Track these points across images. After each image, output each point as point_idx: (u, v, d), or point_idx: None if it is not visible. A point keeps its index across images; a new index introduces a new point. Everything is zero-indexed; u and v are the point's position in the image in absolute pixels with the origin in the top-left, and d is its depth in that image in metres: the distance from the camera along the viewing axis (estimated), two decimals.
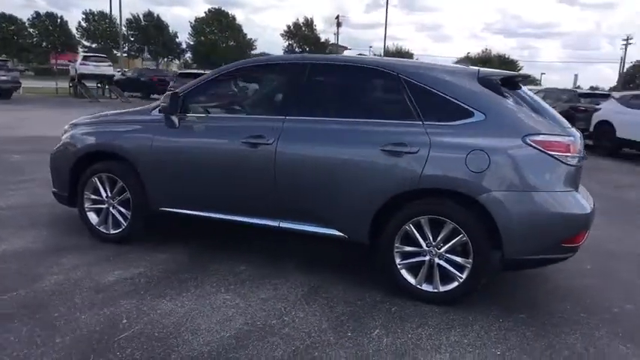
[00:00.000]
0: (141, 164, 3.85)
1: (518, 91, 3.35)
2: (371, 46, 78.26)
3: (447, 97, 3.18)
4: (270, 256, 3.94)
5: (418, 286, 3.23)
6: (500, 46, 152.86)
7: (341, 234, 3.38)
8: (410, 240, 3.23)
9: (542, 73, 70.06)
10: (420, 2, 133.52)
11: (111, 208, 4.08)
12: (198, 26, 56.33)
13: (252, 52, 58.76)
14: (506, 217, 2.95)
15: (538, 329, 2.96)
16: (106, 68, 24.76)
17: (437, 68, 3.34)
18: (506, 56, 61.42)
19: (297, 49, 57.81)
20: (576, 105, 13.59)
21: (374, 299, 3.27)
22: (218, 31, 55.99)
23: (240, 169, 3.57)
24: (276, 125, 3.47)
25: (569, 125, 3.22)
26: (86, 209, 4.15)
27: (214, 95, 3.92)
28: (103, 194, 4.08)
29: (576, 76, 71.46)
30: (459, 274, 3.13)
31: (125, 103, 21.43)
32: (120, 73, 28.30)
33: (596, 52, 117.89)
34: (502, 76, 3.25)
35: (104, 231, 4.11)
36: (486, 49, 62.31)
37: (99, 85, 25.13)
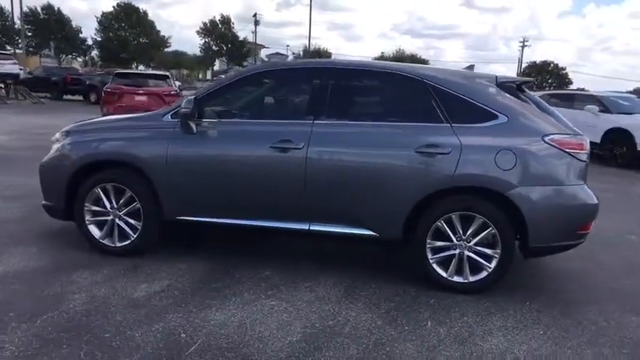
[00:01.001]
0: (155, 172, 3.70)
1: (525, 94, 3.69)
2: (288, 45, 78.55)
3: (472, 100, 3.43)
4: (288, 259, 3.97)
5: (450, 278, 3.45)
6: (407, 45, 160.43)
7: (373, 233, 3.51)
8: (441, 235, 3.43)
9: None
10: (332, 2, 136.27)
11: (117, 220, 3.86)
12: (106, 21, 53.02)
13: (167, 49, 56.53)
14: (532, 209, 3.26)
15: (562, 308, 3.31)
16: (10, 66, 22.53)
17: (458, 73, 3.58)
18: (418, 56, 64.60)
19: (213, 47, 56.51)
20: None
21: (409, 294, 3.44)
22: (128, 27, 53.07)
23: (269, 174, 3.57)
24: (305, 129, 3.52)
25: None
26: (87, 222, 3.90)
27: (233, 100, 3.86)
28: (107, 205, 3.85)
29: None
30: (488, 264, 3.39)
31: (37, 105, 19.77)
32: (26, 72, 25.90)
33: (494, 52, 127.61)
34: (518, 81, 3.57)
35: (109, 244, 3.89)
36: (400, 49, 65.11)
37: (1, 85, 22.83)
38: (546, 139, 3.30)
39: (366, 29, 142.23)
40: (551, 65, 64.73)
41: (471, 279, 3.43)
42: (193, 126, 3.65)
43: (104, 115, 10.98)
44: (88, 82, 22.84)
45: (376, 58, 67.51)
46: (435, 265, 3.47)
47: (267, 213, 3.65)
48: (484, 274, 3.41)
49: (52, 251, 3.94)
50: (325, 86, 3.61)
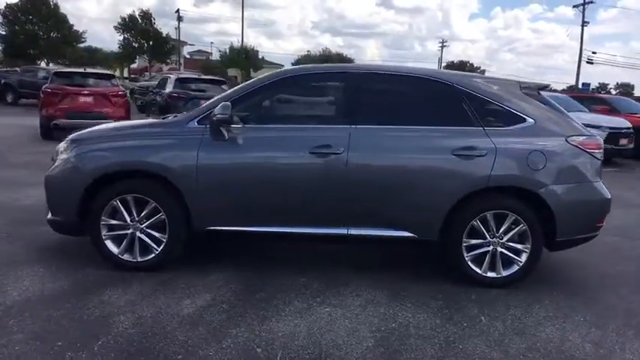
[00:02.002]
0: (184, 182, 3.53)
1: (542, 97, 3.95)
2: (212, 42, 76.49)
3: (501, 104, 3.62)
4: (315, 265, 3.97)
5: (484, 274, 3.63)
6: (328, 44, 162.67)
7: (411, 234, 3.60)
8: (476, 234, 3.60)
9: None
10: None
11: (138, 233, 3.64)
12: (11, 14, 48.55)
13: (81, 45, 52.92)
14: (560, 205, 3.51)
15: (590, 295, 3.59)
16: None
17: (485, 79, 3.77)
18: (344, 54, 65.81)
19: (134, 44, 53.72)
20: None
21: (449, 291, 3.56)
22: (38, 21, 48.98)
23: (309, 180, 3.54)
24: (344, 134, 3.53)
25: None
26: (103, 237, 3.63)
27: (264, 104, 3.75)
28: (127, 218, 3.62)
29: None
30: (519, 259, 3.61)
31: None
32: None
33: (410, 51, 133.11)
34: (539, 86, 3.81)
35: (129, 259, 3.65)
36: (326, 48, 65.88)
37: None
38: (569, 140, 3.57)
39: (287, 27, 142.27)
40: (468, 65, 68.70)
41: (504, 273, 3.63)
42: (225, 132, 3.52)
43: (46, 118, 10.20)
44: (3, 82, 20.83)
45: (302, 57, 67.87)
46: (470, 263, 3.62)
47: (306, 219, 3.62)
48: (515, 268, 3.62)
49: (63, 270, 3.63)
50: (361, 91, 3.65)
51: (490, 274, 3.64)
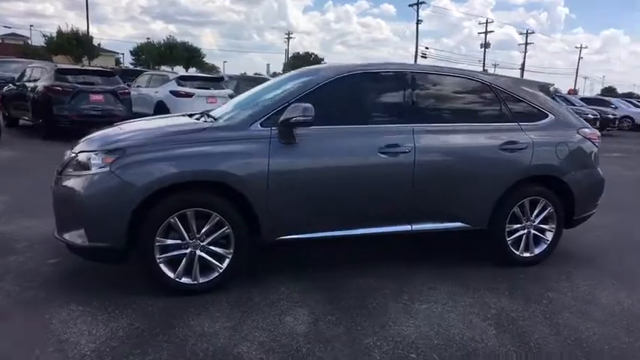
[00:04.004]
0: (254, 191, 3.23)
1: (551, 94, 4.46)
2: (32, 26, 66.63)
3: (529, 102, 4.04)
4: (372, 263, 3.97)
5: (521, 255, 4.04)
6: (161, 31, 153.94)
7: (466, 225, 3.84)
8: (515, 219, 3.98)
9: (224, 62, 74.92)
10: None
11: (198, 251, 3.24)
12: None
13: None
14: (578, 189, 4.07)
15: (615, 273, 4.06)
16: None
17: (511, 79, 4.14)
18: (190, 44, 63.03)
19: None
20: None
21: (501, 275, 3.84)
22: None
23: (380, 180, 3.53)
24: (408, 133, 3.59)
25: None
26: (158, 260, 3.15)
27: (324, 104, 3.54)
28: (186, 236, 3.19)
29: (224, 63, 79.76)
30: (546, 238, 4.11)
31: None
32: None
33: (248, 41, 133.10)
34: (547, 84, 4.32)
35: (189, 282, 3.24)
36: (171, 36, 62.34)
37: None
38: (580, 132, 4.16)
39: (113, 11, 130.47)
40: (312, 56, 71.48)
41: (536, 252, 4.09)
42: (295, 135, 3.31)
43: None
44: None
45: (143, 44, 63.22)
46: (510, 246, 4.00)
47: (374, 219, 3.60)
48: (544, 246, 4.11)
49: (111, 304, 3.06)
50: (418, 89, 3.73)
51: (525, 255, 4.07)
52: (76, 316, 2.92)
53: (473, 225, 3.86)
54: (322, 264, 3.95)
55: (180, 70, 46.23)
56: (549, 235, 4.11)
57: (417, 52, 43.68)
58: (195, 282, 3.25)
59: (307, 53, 71.74)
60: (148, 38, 65.99)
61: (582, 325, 3.11)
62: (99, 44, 54.29)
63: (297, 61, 68.78)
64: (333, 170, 3.43)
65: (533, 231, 4.06)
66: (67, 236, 3.20)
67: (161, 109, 12.18)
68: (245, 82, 16.00)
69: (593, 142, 4.22)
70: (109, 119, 10.78)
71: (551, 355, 2.76)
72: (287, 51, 63.74)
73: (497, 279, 3.79)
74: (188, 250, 3.22)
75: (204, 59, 64.20)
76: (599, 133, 4.33)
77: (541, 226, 4.08)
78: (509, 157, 3.83)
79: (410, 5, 42.72)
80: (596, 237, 4.98)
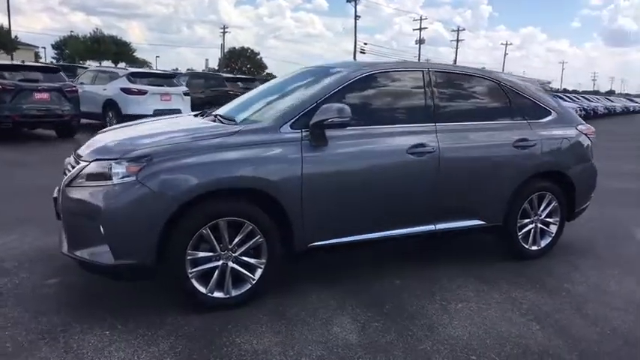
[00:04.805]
0: (289, 196, 3.09)
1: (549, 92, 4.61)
2: None
3: (534, 100, 4.16)
4: (392, 264, 3.93)
5: (530, 248, 4.17)
6: (83, 24, 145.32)
7: (483, 222, 3.90)
8: (525, 215, 4.10)
9: (157, 57, 71.88)
10: None
11: (230, 263, 3.05)
12: None
13: None
14: (579, 182, 4.25)
15: (614, 261, 4.26)
16: None
17: (517, 77, 4.23)
18: (119, 37, 60.03)
19: None
20: (227, 89, 14.25)
21: (518, 270, 3.93)
22: None
23: (407, 181, 3.50)
24: (432, 132, 3.58)
25: None
26: (190, 275, 2.93)
27: (351, 105, 3.41)
28: (217, 247, 2.99)
29: (157, 58, 77.37)
30: (550, 231, 4.26)
31: None
32: None
33: (177, 35, 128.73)
34: (547, 82, 4.46)
35: (221, 296, 3.04)
36: (97, 29, 58.95)
37: None
38: (578, 128, 4.34)
39: (26, 0, 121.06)
40: (249, 51, 70.48)
41: (542, 245, 4.24)
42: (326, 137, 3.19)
43: None
44: None
45: (67, 37, 59.41)
46: (521, 240, 4.12)
47: (402, 220, 3.56)
48: (548, 239, 4.27)
49: (149, 327, 2.81)
50: (438, 89, 3.72)
51: (534, 248, 4.20)
52: (107, 342, 2.65)
53: (489, 222, 3.92)
54: (342, 267, 3.86)
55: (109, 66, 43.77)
56: (553, 228, 4.27)
57: (355, 47, 44.30)
58: (228, 296, 3.05)
59: (243, 48, 70.62)
60: (72, 31, 62.21)
61: (610, 315, 3.24)
62: (16, 37, 50.25)
63: (234, 56, 67.62)
64: (365, 172, 3.35)
65: (539, 225, 4.20)
66: (82, 253, 2.89)
67: (111, 107, 11.48)
68: (194, 78, 15.49)
69: (588, 137, 4.42)
70: (55, 120, 10.06)
71: (599, 346, 2.85)
72: (223, 46, 62.40)
73: (513, 273, 3.88)
74: (220, 263, 3.02)
75: (134, 54, 61.46)
76: (593, 129, 4.54)
77: (547, 219, 4.23)
78: (522, 154, 3.93)
79: (348, 1, 43.11)
80: (579, 227, 5.23)
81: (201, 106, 13.78)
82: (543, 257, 4.22)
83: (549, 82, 4.64)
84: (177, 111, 11.74)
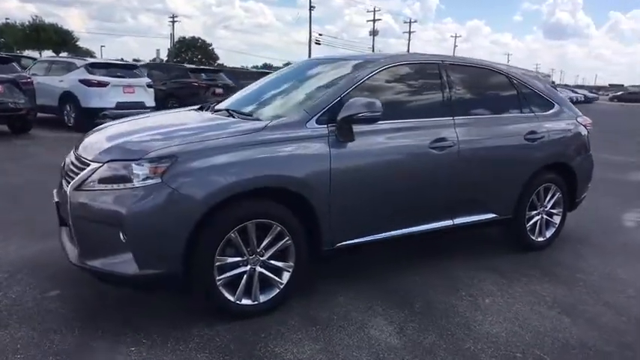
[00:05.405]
0: (318, 195, 2.94)
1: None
2: None
3: (539, 92, 4.19)
4: (409, 261, 3.87)
5: (537, 240, 4.22)
6: (17, 12, 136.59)
7: (496, 215, 3.89)
8: (533, 207, 4.13)
9: (102, 46, 68.52)
10: None
11: (258, 267, 2.87)
12: None
13: None
14: (580, 172, 4.34)
15: (614, 249, 4.37)
16: None
17: (521, 70, 4.24)
18: (60, 25, 56.76)
19: None
20: (191, 81, 13.74)
21: (528, 262, 3.96)
22: None
23: (431, 176, 3.44)
24: (450, 126, 3.52)
25: None
26: (218, 282, 2.74)
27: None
28: (245, 251, 2.81)
29: (102, 48, 74.22)
30: (554, 222, 4.33)
31: None
32: None
33: (121, 24, 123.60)
34: (548, 75, 4.49)
35: (249, 303, 2.87)
36: (37, 16, 55.48)
37: None
38: (577, 119, 4.42)
39: None
40: (199, 41, 68.59)
41: (547, 235, 4.30)
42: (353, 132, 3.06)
43: None
44: None
45: (1, 26, 55.62)
46: (529, 232, 4.16)
47: (425, 216, 3.50)
48: (553, 230, 4.33)
49: (165, 334, 2.60)
50: (454, 82, 3.65)
51: (540, 239, 4.25)
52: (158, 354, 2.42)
53: (501, 215, 3.93)
54: (358, 266, 3.74)
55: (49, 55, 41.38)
56: (557, 219, 4.34)
57: (310, 38, 44.01)
58: (256, 302, 2.88)
59: (194, 38, 68.66)
60: (7, 18, 58.30)
61: (628, 304, 3.32)
62: None
63: (183, 45, 65.65)
64: (392, 168, 3.24)
65: (546, 217, 4.25)
66: (98, 263, 2.63)
67: (68, 100, 10.77)
68: (154, 69, 14.83)
69: (587, 129, 4.51)
70: (9, 114, 9.34)
71: (632, 336, 2.89)
72: (172, 35, 60.31)
73: (524, 265, 3.90)
74: (247, 268, 2.83)
75: (77, 43, 58.44)
76: (590, 120, 4.64)
77: (551, 210, 4.29)
78: (532, 147, 3.95)
79: None
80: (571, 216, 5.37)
81: (164, 99, 13.30)
82: (548, 248, 4.29)
83: (549, 75, 4.68)
84: (141, 104, 11.21)
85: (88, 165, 2.75)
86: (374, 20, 54.21)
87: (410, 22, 59.42)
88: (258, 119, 3.13)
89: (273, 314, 2.91)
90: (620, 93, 54.58)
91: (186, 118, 3.55)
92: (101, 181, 2.64)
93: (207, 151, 2.66)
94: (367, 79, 3.28)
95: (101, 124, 3.70)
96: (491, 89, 4.01)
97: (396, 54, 3.75)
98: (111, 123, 3.63)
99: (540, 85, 4.26)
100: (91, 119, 10.73)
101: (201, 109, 3.90)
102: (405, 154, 3.32)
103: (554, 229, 4.33)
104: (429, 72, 3.63)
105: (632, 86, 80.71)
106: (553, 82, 4.95)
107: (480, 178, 3.70)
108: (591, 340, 2.82)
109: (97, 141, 3.05)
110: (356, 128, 3.07)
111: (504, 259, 4.00)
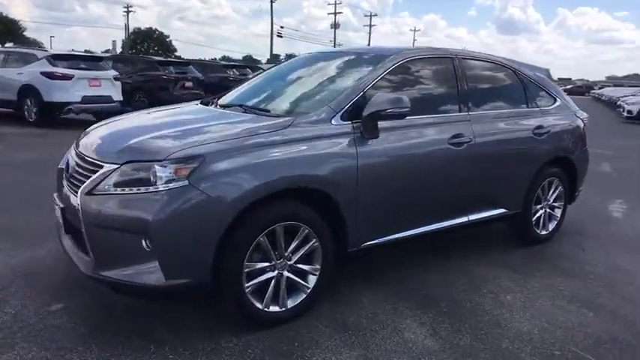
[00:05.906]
0: (345, 195, 2.82)
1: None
2: None
3: (543, 87, 4.21)
4: (405, 258, 3.81)
5: (541, 233, 4.27)
6: None
7: (506, 210, 3.89)
8: (539, 201, 4.16)
9: (51, 37, 65.42)
10: None
11: (285, 272, 2.73)
12: None
13: None
14: (580, 166, 4.41)
15: (612, 241, 4.47)
16: None
17: (524, 64, 4.24)
18: (5, 14, 53.61)
19: None
20: (160, 74, 13.23)
21: (537, 255, 3.99)
22: None
23: (449, 172, 3.38)
24: (466, 122, 3.48)
25: None
26: (246, 290, 2.58)
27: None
28: (273, 256, 2.66)
29: (52, 38, 71.06)
30: (556, 215, 4.39)
31: None
32: None
33: (70, 14, 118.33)
34: (548, 70, 4.53)
35: (276, 310, 2.72)
36: None
37: None
38: (577, 114, 4.48)
39: None
40: (156, 32, 66.50)
41: (550, 228, 4.35)
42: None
43: None
44: None
45: None
46: (534, 226, 4.19)
47: (444, 213, 3.44)
48: (555, 223, 4.39)
49: (191, 346, 2.43)
50: (468, 77, 3.60)
51: (543, 232, 4.29)
52: None
53: (511, 209, 3.93)
54: (372, 266, 3.65)
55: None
56: (558, 212, 4.40)
57: (272, 30, 43.52)
58: (284, 308, 2.73)
59: (150, 29, 66.52)
60: None
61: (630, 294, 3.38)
62: None
63: (139, 37, 63.56)
64: (415, 165, 3.16)
65: (549, 210, 4.30)
66: (117, 274, 2.41)
67: (29, 94, 10.11)
68: (119, 62, 14.18)
69: (585, 123, 4.59)
70: None
71: None
72: (127, 26, 58.18)
73: (533, 259, 3.93)
74: (275, 273, 2.68)
75: (24, 33, 55.49)
76: (587, 115, 4.72)
77: (553, 204, 4.34)
78: (539, 141, 3.96)
79: None
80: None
81: (130, 92, 12.73)
82: (550, 241, 4.34)
83: (548, 70, 4.73)
84: (109, 98, 10.69)
85: (99, 166, 2.52)
86: (335, 13, 54.21)
87: (370, 16, 59.81)
88: (278, 115, 2.96)
89: (301, 320, 2.78)
90: (570, 87, 57.02)
91: (197, 113, 3.34)
92: (118, 184, 2.41)
93: (236, 151, 2.48)
94: (388, 73, 3.18)
95: (93, 123, 3.43)
96: (501, 84, 4.00)
97: (410, 47, 3.65)
98: (107, 121, 3.36)
99: (544, 80, 4.29)
100: (54, 114, 10.20)
101: (203, 104, 3.69)
102: (427, 151, 3.24)
103: (555, 222, 4.39)
104: (443, 67, 3.56)
105: (579, 80, 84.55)
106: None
107: (494, 174, 3.69)
108: (619, 333, 2.84)
109: (104, 139, 2.81)
110: (380, 124, 2.97)
111: (512, 254, 4.01)
